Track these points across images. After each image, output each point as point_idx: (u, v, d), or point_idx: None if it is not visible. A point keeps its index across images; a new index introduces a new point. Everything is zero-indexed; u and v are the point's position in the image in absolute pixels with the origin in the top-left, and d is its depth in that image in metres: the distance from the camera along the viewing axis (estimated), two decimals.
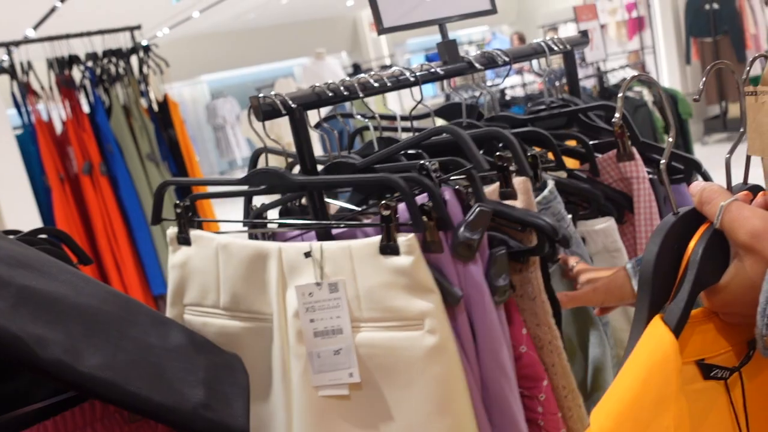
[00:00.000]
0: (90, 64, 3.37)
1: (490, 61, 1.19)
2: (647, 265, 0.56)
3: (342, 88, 1.00)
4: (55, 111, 3.23)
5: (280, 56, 11.55)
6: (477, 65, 1.17)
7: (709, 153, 6.38)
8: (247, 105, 0.99)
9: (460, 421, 0.85)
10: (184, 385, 0.52)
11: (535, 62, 1.47)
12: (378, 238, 0.87)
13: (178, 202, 1.09)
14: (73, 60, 3.35)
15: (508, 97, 5.14)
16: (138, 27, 3.74)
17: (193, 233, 1.08)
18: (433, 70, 1.11)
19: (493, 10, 1.22)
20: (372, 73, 1.07)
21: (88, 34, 3.48)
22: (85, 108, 3.28)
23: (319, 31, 12.02)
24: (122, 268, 3.15)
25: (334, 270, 0.90)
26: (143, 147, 3.24)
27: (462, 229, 0.86)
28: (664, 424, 0.51)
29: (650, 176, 1.09)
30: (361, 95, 1.02)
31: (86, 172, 3.08)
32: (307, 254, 0.92)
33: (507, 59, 1.20)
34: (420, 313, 0.85)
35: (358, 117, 1.36)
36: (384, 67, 8.10)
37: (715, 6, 6.49)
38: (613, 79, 4.74)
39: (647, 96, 4.17)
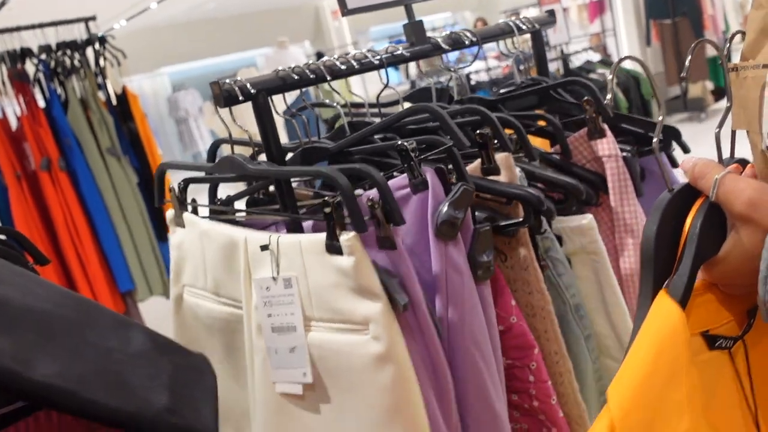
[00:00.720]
0: (44, 56, 3.26)
1: (457, 42, 1.17)
2: (648, 242, 0.57)
3: (308, 71, 0.97)
4: (9, 107, 3.12)
5: (242, 46, 11.38)
6: (444, 46, 1.14)
7: None
8: (210, 96, 0.96)
9: (411, 430, 0.81)
10: (148, 390, 0.49)
11: (501, 45, 1.44)
12: (323, 235, 0.83)
13: (173, 186, 1.11)
14: (26, 53, 3.23)
15: (473, 82, 5.13)
16: (93, 18, 3.62)
17: (186, 216, 1.09)
18: (398, 52, 1.08)
19: None
20: (337, 56, 1.03)
21: (41, 25, 3.36)
22: (41, 102, 3.17)
23: (280, 20, 11.87)
24: (87, 266, 3.06)
25: (288, 265, 0.87)
26: (103, 141, 3.14)
27: (446, 207, 0.83)
28: (677, 399, 0.52)
29: (624, 153, 1.07)
30: (328, 78, 0.98)
31: (44, 168, 2.97)
32: (264, 247, 0.89)
33: (474, 40, 1.18)
34: (364, 318, 0.81)
35: (327, 102, 1.31)
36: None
37: None
38: (576, 61, 4.76)
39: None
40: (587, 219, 1.01)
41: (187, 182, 1.13)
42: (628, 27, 7.06)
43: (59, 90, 3.22)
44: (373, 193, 0.84)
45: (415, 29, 1.14)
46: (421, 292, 0.83)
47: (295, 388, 0.89)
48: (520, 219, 0.93)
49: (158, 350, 0.54)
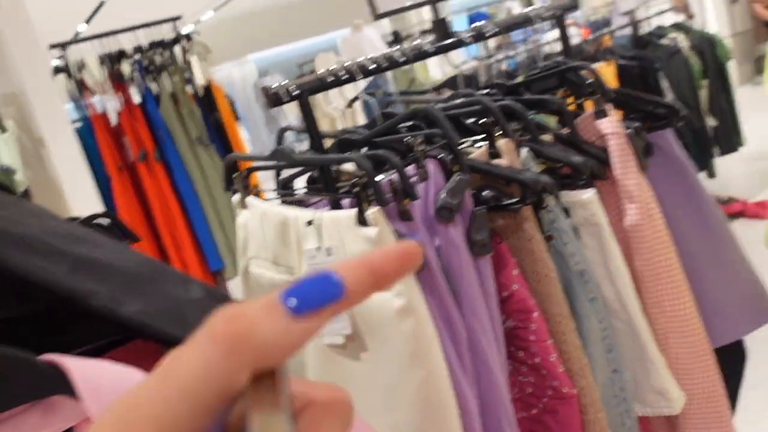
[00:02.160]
0: (137, 56, 3.58)
1: (479, 35, 1.30)
2: None
3: (342, 72, 1.14)
4: (109, 103, 3.46)
5: (322, 29, 11.63)
6: (466, 40, 1.28)
7: (761, 94, 6.19)
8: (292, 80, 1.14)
9: (432, 374, 0.96)
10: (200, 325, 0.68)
11: (580, 13, 1.54)
12: (355, 210, 0.99)
13: (236, 174, 1.28)
14: (122, 54, 3.57)
15: (546, 52, 5.12)
16: (179, 17, 3.93)
17: (248, 200, 1.27)
18: (423, 48, 1.23)
19: None
20: (371, 56, 1.20)
21: (133, 28, 3.69)
22: (136, 99, 3.50)
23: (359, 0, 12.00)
24: (181, 248, 3.38)
25: (329, 236, 1.04)
26: (192, 132, 3.45)
27: (443, 195, 0.99)
28: None
29: (629, 130, 1.18)
30: (358, 78, 1.15)
31: (141, 159, 3.30)
32: (309, 222, 1.07)
33: (495, 31, 1.31)
34: None
35: (379, 92, 1.48)
36: (424, 33, 8.11)
37: None
38: (648, 27, 4.67)
39: (683, 42, 4.12)
40: (588, 194, 1.13)
41: (250, 170, 1.32)
42: None
43: (152, 86, 3.53)
44: (395, 175, 1.00)
45: (439, 26, 1.29)
46: (435, 256, 1.00)
47: (337, 339, 1.08)
48: (517, 199, 1.07)
49: (211, 298, 0.73)
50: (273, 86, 1.12)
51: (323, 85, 1.15)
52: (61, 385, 0.53)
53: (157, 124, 3.40)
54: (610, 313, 1.19)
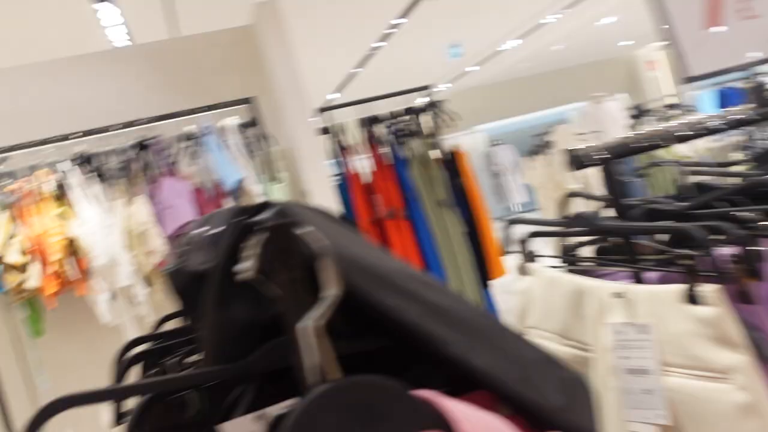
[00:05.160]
0: (391, 122, 3.80)
1: None
2: None
3: (658, 137, 1.08)
4: (363, 162, 3.70)
5: (553, 102, 11.60)
6: None
7: None
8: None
9: None
10: (547, 389, 0.65)
11: None
12: (683, 286, 0.90)
13: (522, 239, 1.27)
14: (376, 119, 3.81)
15: None
16: (427, 87, 4.12)
17: (530, 266, 1.24)
18: (739, 117, 1.13)
19: None
20: (681, 122, 1.13)
21: (386, 96, 3.94)
22: (387, 160, 3.69)
23: (591, 75, 11.87)
24: None
25: (641, 312, 0.96)
26: (438, 193, 3.56)
27: None
28: None
29: None
30: (675, 143, 1.08)
31: (390, 216, 3.47)
32: (619, 295, 0.99)
33: None
34: (726, 367, 0.85)
35: (665, 162, 1.39)
36: (670, 107, 7.72)
37: None
38: None
39: None
40: None
41: (532, 235, 1.28)
42: None
43: (403, 148, 3.72)
44: (731, 250, 0.90)
45: (756, 92, 1.18)
46: None
47: (647, 428, 0.95)
48: None
49: (548, 361, 0.70)
50: (577, 149, 1.10)
51: (632, 150, 1.10)
52: (436, 421, 0.54)
53: (405, 184, 3.55)
54: None
